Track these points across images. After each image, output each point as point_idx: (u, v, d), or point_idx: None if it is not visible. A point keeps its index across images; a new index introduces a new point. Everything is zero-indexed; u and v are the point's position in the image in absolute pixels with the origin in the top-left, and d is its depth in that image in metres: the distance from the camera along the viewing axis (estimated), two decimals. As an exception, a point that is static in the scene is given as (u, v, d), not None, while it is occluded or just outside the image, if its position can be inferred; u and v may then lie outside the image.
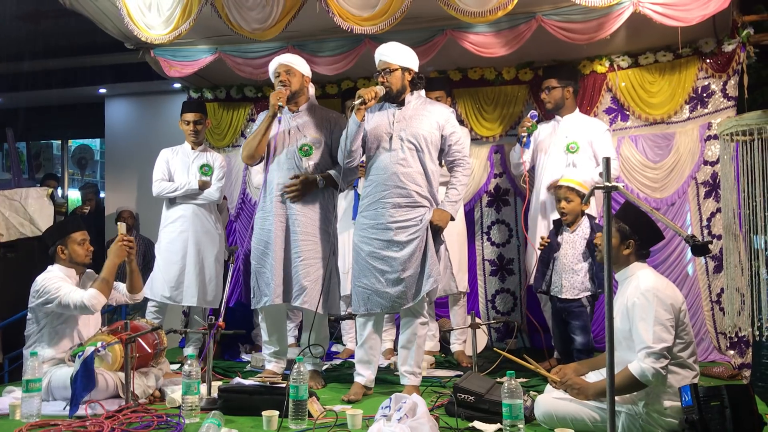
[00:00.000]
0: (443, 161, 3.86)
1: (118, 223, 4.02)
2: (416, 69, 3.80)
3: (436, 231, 3.70)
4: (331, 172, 4.01)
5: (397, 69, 3.71)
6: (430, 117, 3.74)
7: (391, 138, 3.69)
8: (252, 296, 4.02)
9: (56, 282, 3.67)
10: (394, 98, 3.76)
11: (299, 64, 4.06)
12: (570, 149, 4.48)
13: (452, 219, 3.75)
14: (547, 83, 4.62)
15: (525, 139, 4.53)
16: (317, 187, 3.95)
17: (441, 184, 3.93)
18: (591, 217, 4.14)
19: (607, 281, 2.34)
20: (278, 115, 3.87)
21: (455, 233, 4.68)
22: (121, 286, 4.10)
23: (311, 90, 4.21)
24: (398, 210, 3.63)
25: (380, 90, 3.67)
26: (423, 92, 3.92)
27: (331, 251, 4.01)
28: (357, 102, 3.58)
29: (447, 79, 5.16)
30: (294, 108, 4.08)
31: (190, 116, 4.91)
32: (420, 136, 3.68)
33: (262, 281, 3.96)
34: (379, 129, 3.73)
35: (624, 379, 2.79)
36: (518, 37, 4.43)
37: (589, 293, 4.02)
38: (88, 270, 3.92)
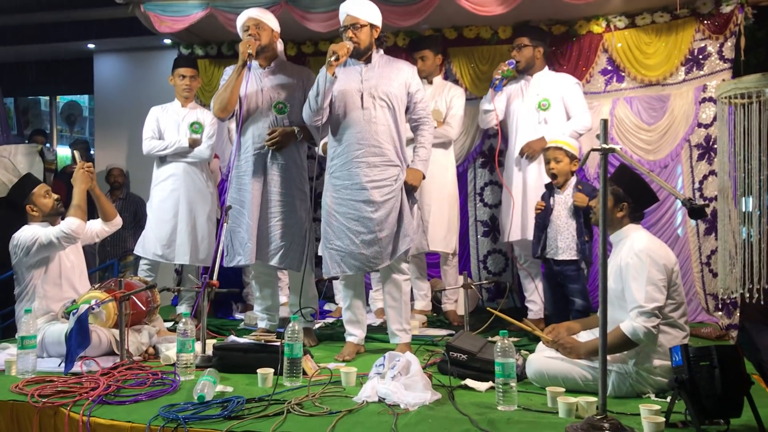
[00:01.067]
0: (407, 119, 3.84)
1: (74, 151, 4.06)
2: (380, 27, 3.76)
3: (410, 190, 3.72)
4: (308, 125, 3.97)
5: (366, 25, 3.66)
6: (398, 75, 3.71)
7: (362, 96, 3.64)
8: (225, 254, 3.99)
9: (31, 230, 3.72)
10: (361, 55, 3.70)
11: (269, 18, 3.99)
12: (541, 107, 4.46)
13: (423, 177, 3.76)
14: (518, 41, 4.56)
15: (497, 82, 4.50)
16: (296, 138, 3.92)
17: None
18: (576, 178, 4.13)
19: (602, 242, 2.36)
20: (248, 63, 3.81)
21: (446, 195, 4.68)
22: (96, 222, 4.12)
23: (280, 46, 4.15)
24: (373, 169, 3.61)
25: (351, 46, 3.61)
26: (382, 51, 3.88)
27: (308, 211, 4.00)
28: (332, 58, 3.51)
29: (435, 38, 5.08)
30: (264, 63, 4.01)
31: (186, 71, 4.85)
32: (392, 94, 3.66)
33: (236, 240, 3.95)
34: (348, 87, 3.67)
35: (615, 338, 2.82)
36: (515, -4, 4.37)
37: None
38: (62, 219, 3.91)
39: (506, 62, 4.49)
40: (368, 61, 3.73)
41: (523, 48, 4.51)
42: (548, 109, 4.45)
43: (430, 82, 4.76)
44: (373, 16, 3.69)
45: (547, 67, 4.63)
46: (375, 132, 3.61)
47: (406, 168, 3.73)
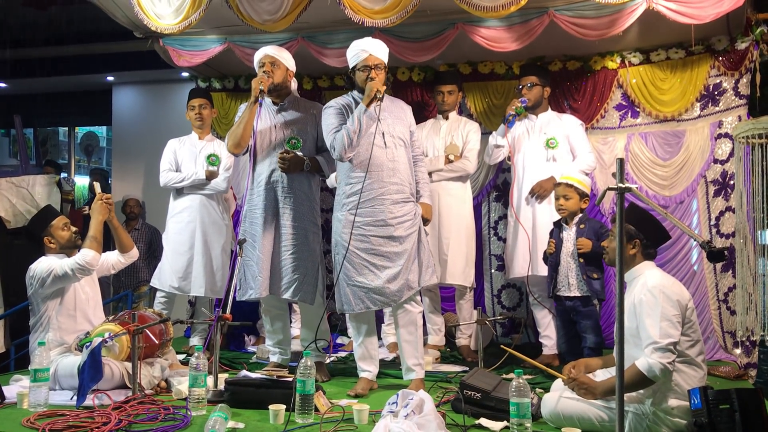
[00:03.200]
0: None
1: (94, 182, 4.09)
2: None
3: (425, 224, 3.83)
4: (318, 157, 4.02)
5: (385, 66, 3.72)
6: (405, 115, 3.85)
7: (383, 136, 3.69)
8: (239, 288, 4.00)
9: (47, 262, 3.75)
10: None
11: (285, 57, 4.05)
12: (550, 144, 4.53)
13: None
14: (528, 80, 4.60)
15: (511, 118, 4.53)
16: (303, 168, 3.95)
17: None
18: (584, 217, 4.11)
19: (618, 282, 2.33)
20: (260, 99, 3.86)
21: (464, 228, 4.67)
22: (112, 254, 4.13)
23: (294, 85, 4.22)
24: (396, 206, 3.66)
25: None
26: None
27: (320, 244, 4.03)
28: (377, 95, 3.57)
29: (458, 73, 5.12)
30: (277, 101, 4.07)
31: (195, 101, 4.92)
32: (405, 132, 3.78)
33: (249, 273, 3.96)
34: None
35: (632, 376, 2.78)
36: (530, 32, 4.41)
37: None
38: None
39: (519, 99, 4.53)
40: (381, 100, 3.76)
41: (533, 87, 4.57)
42: (556, 147, 4.52)
43: (446, 118, 4.79)
44: (387, 56, 3.76)
45: (550, 108, 4.69)
46: (397, 170, 3.68)
47: (421, 203, 3.82)
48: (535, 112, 4.64)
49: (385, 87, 3.64)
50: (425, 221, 3.82)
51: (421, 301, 4.27)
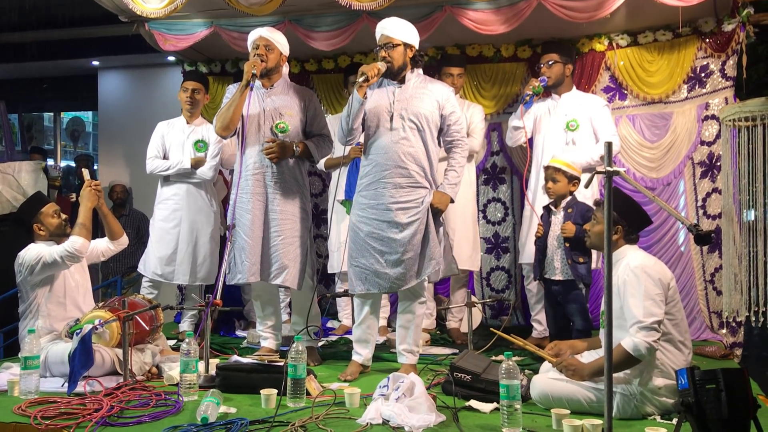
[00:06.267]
0: (441, 141, 3.82)
1: (83, 169, 4.08)
2: (417, 46, 3.74)
3: (436, 213, 3.67)
4: (307, 142, 3.99)
5: (399, 44, 3.65)
6: (431, 96, 3.68)
7: (392, 117, 3.64)
8: (228, 272, 3.98)
9: (36, 249, 3.72)
10: (395, 75, 3.70)
11: (280, 41, 3.99)
12: (570, 127, 4.41)
13: (452, 201, 3.71)
14: (548, 57, 4.47)
15: (528, 98, 4.44)
16: (293, 153, 3.93)
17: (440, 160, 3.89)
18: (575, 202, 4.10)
19: (607, 263, 2.35)
20: (251, 83, 3.82)
21: (470, 212, 4.68)
22: (102, 241, 4.12)
23: (285, 69, 4.17)
24: (399, 190, 3.60)
25: (382, 66, 3.62)
26: (421, 70, 3.88)
27: (309, 229, 4.02)
28: (360, 79, 3.53)
29: (465, 56, 5.05)
30: (267, 84, 4.02)
31: (189, 84, 4.83)
32: (421, 115, 3.63)
33: (238, 258, 3.94)
34: (380, 107, 3.68)
35: (618, 356, 2.81)
36: (518, 15, 4.39)
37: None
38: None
39: (538, 79, 4.45)
40: (402, 81, 3.72)
41: (553, 65, 4.44)
42: (576, 129, 4.39)
43: None
44: (408, 35, 3.67)
45: (575, 87, 4.58)
46: (402, 153, 3.60)
47: (434, 191, 3.68)
48: (558, 92, 4.52)
49: (380, 69, 3.58)
50: (437, 211, 3.66)
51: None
